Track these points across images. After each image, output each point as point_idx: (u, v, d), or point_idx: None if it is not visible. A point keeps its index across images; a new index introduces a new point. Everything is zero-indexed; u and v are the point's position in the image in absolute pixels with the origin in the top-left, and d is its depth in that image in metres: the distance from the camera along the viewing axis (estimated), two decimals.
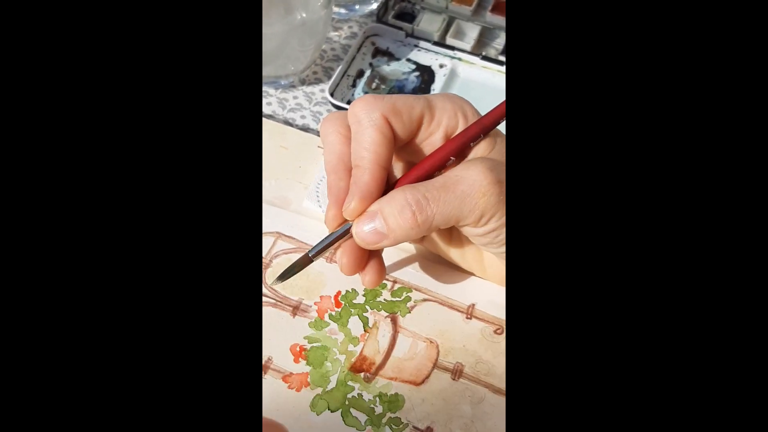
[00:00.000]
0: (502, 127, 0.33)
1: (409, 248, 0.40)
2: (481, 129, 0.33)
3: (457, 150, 0.33)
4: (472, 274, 0.39)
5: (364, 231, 0.32)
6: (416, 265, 0.40)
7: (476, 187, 0.30)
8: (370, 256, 0.34)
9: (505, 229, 0.32)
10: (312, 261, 0.33)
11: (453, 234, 0.37)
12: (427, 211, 0.31)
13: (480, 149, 0.33)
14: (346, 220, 0.33)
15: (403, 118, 0.32)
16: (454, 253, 0.38)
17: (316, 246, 0.33)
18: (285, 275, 0.34)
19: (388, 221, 0.31)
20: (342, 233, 0.33)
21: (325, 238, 0.33)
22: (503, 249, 0.33)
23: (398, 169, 0.36)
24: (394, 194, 0.31)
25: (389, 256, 0.39)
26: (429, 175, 0.32)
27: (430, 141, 0.34)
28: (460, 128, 0.33)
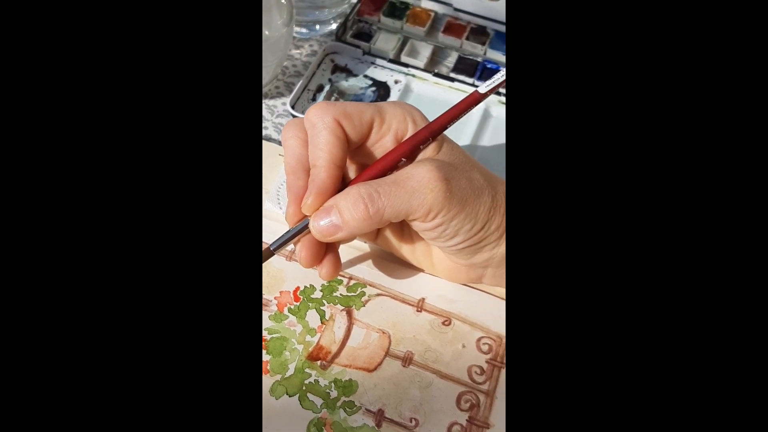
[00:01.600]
0: (448, 132, 0.37)
1: (363, 247, 0.43)
2: (430, 133, 0.36)
3: (408, 152, 0.36)
4: (422, 270, 0.42)
5: (320, 224, 0.34)
6: (370, 262, 0.42)
7: (424, 183, 0.33)
8: (327, 251, 0.37)
9: (451, 224, 0.34)
10: (273, 254, 0.36)
11: (404, 232, 0.40)
12: (378, 203, 0.33)
13: (428, 152, 0.36)
14: (305, 216, 0.35)
15: (353, 121, 0.35)
16: (406, 250, 0.41)
17: (277, 240, 0.36)
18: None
19: (343, 214, 0.34)
20: (301, 228, 0.36)
21: (286, 232, 0.36)
22: (450, 243, 0.36)
23: (353, 172, 0.39)
24: (349, 190, 0.34)
25: (346, 255, 0.42)
26: (382, 175, 0.35)
27: (382, 144, 0.37)
28: (410, 132, 0.36)
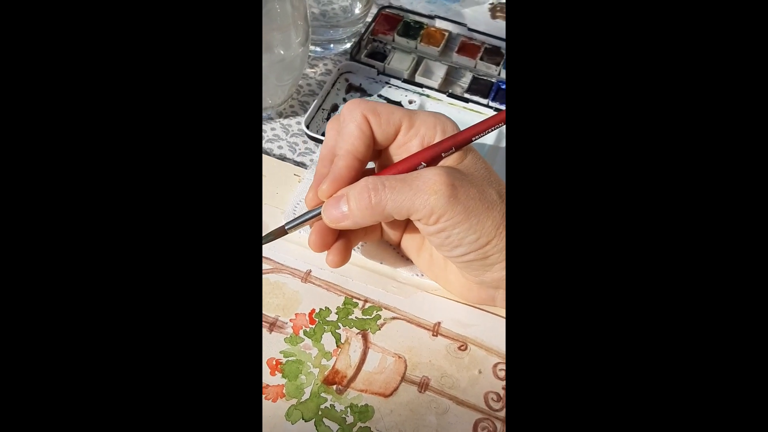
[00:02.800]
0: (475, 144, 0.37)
1: (379, 269, 0.43)
2: (454, 143, 0.36)
3: (429, 157, 0.36)
4: (438, 291, 0.42)
5: (329, 210, 0.36)
6: (386, 285, 0.42)
7: (429, 184, 0.34)
8: (337, 238, 0.38)
9: (454, 232, 0.35)
10: (286, 233, 0.38)
11: (424, 243, 0.40)
12: (381, 194, 0.34)
13: (450, 160, 0.37)
14: (322, 203, 0.37)
15: (381, 120, 0.37)
16: (423, 262, 0.41)
17: (292, 220, 0.38)
18: (264, 239, 0.38)
19: (350, 202, 0.35)
20: (315, 213, 0.37)
21: (302, 215, 0.38)
22: (454, 253, 0.36)
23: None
24: (359, 181, 0.35)
25: (362, 277, 0.42)
26: None
27: (407, 148, 0.37)
28: (437, 141, 0.37)
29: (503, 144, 0.51)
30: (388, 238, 0.42)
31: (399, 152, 0.38)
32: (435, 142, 0.37)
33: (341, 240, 0.38)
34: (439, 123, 0.37)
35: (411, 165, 0.36)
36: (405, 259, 0.43)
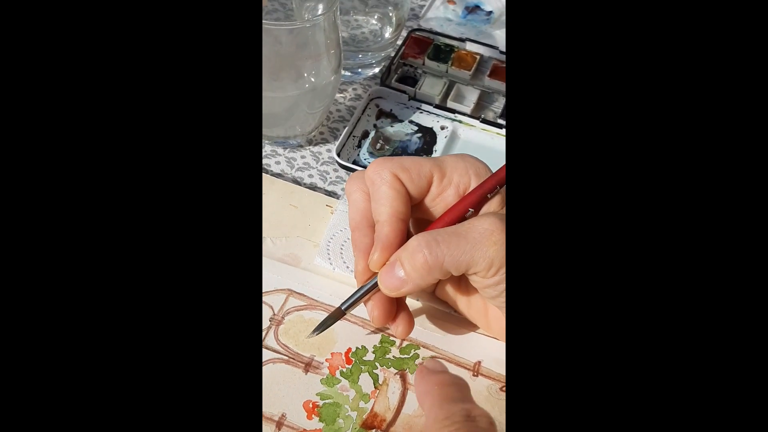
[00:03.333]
0: None
1: (416, 305, 0.42)
2: (498, 181, 0.35)
3: (475, 202, 0.35)
4: (477, 328, 0.40)
5: (387, 279, 0.34)
6: (425, 323, 0.41)
7: (487, 236, 0.32)
8: (398, 309, 0.37)
9: None
10: (345, 314, 0.36)
11: (461, 285, 0.39)
12: (436, 251, 0.33)
13: (493, 205, 0.35)
14: (373, 274, 0.35)
15: (411, 175, 0.35)
16: (462, 304, 0.39)
17: (347, 299, 0.36)
18: (320, 327, 0.37)
19: (405, 266, 0.33)
20: (371, 286, 0.35)
21: (356, 291, 0.36)
22: None
23: (414, 229, 0.38)
24: (410, 241, 0.34)
25: None
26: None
27: (443, 198, 0.36)
28: (473, 186, 0.35)
29: None
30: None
31: (435, 204, 0.36)
32: (477, 185, 0.35)
33: (403, 309, 0.37)
34: (470, 167, 0.36)
35: (459, 213, 0.35)
36: (441, 301, 0.41)
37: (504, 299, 0.34)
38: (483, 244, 0.32)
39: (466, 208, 0.35)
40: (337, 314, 0.36)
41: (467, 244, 0.32)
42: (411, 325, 0.37)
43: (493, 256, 0.32)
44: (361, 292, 0.35)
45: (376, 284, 0.35)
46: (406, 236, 0.35)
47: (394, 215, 0.35)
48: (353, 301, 0.36)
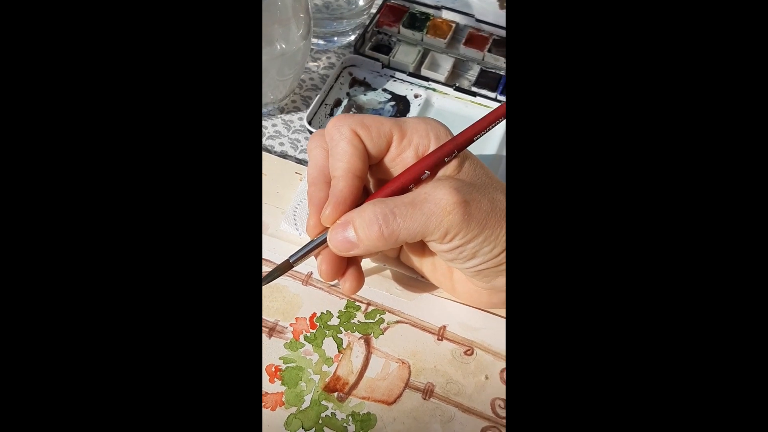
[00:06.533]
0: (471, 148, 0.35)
1: (382, 271, 0.42)
2: (455, 146, 0.35)
3: (432, 165, 0.34)
4: (443, 293, 0.40)
5: (337, 239, 0.34)
6: (390, 287, 0.41)
7: (442, 206, 0.32)
8: (348, 264, 0.36)
9: (468, 246, 0.33)
10: (292, 266, 0.36)
11: (426, 250, 0.39)
12: (393, 225, 0.32)
13: (449, 169, 0.35)
14: (325, 229, 0.35)
15: (371, 133, 0.35)
16: (426, 269, 0.39)
17: (296, 252, 0.35)
18: (267, 278, 0.36)
19: (358, 232, 0.33)
20: (320, 241, 0.35)
21: (306, 245, 0.35)
22: (468, 265, 0.34)
23: (374, 188, 0.37)
24: (365, 207, 0.33)
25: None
26: (404, 189, 0.34)
27: (402, 159, 0.36)
28: (432, 148, 0.35)
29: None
30: (386, 251, 0.40)
31: (394, 164, 0.36)
32: (434, 148, 0.35)
33: (353, 266, 0.36)
34: (431, 129, 0.35)
35: (414, 175, 0.34)
36: (407, 266, 0.41)
37: (462, 261, 0.34)
38: (437, 215, 0.32)
39: (422, 170, 0.34)
40: (285, 266, 0.36)
41: (422, 215, 0.32)
42: (360, 282, 0.36)
43: (448, 225, 0.32)
44: (312, 245, 0.35)
45: (324, 240, 0.34)
46: (363, 194, 0.35)
47: (350, 171, 0.34)
48: (302, 254, 0.35)
